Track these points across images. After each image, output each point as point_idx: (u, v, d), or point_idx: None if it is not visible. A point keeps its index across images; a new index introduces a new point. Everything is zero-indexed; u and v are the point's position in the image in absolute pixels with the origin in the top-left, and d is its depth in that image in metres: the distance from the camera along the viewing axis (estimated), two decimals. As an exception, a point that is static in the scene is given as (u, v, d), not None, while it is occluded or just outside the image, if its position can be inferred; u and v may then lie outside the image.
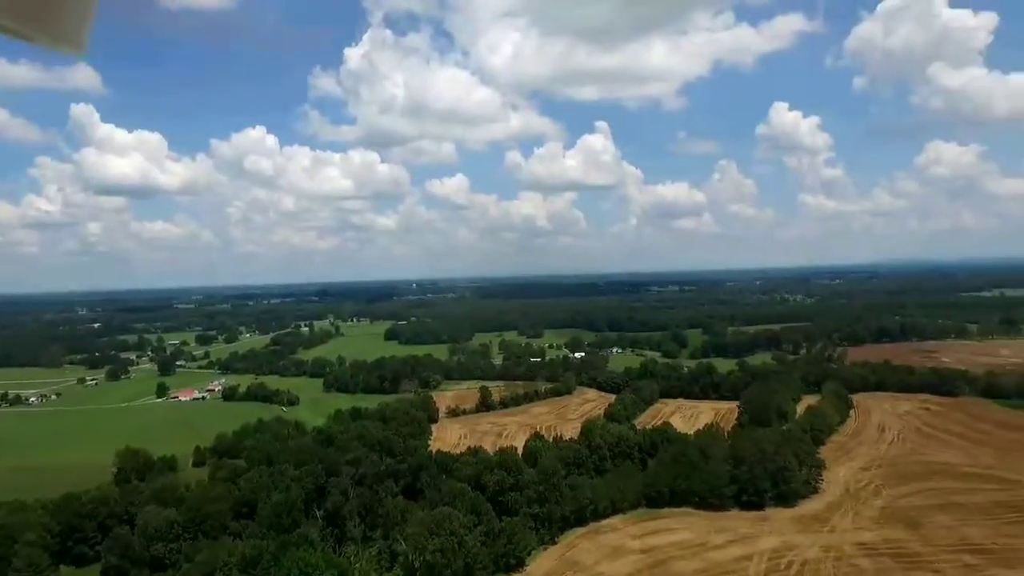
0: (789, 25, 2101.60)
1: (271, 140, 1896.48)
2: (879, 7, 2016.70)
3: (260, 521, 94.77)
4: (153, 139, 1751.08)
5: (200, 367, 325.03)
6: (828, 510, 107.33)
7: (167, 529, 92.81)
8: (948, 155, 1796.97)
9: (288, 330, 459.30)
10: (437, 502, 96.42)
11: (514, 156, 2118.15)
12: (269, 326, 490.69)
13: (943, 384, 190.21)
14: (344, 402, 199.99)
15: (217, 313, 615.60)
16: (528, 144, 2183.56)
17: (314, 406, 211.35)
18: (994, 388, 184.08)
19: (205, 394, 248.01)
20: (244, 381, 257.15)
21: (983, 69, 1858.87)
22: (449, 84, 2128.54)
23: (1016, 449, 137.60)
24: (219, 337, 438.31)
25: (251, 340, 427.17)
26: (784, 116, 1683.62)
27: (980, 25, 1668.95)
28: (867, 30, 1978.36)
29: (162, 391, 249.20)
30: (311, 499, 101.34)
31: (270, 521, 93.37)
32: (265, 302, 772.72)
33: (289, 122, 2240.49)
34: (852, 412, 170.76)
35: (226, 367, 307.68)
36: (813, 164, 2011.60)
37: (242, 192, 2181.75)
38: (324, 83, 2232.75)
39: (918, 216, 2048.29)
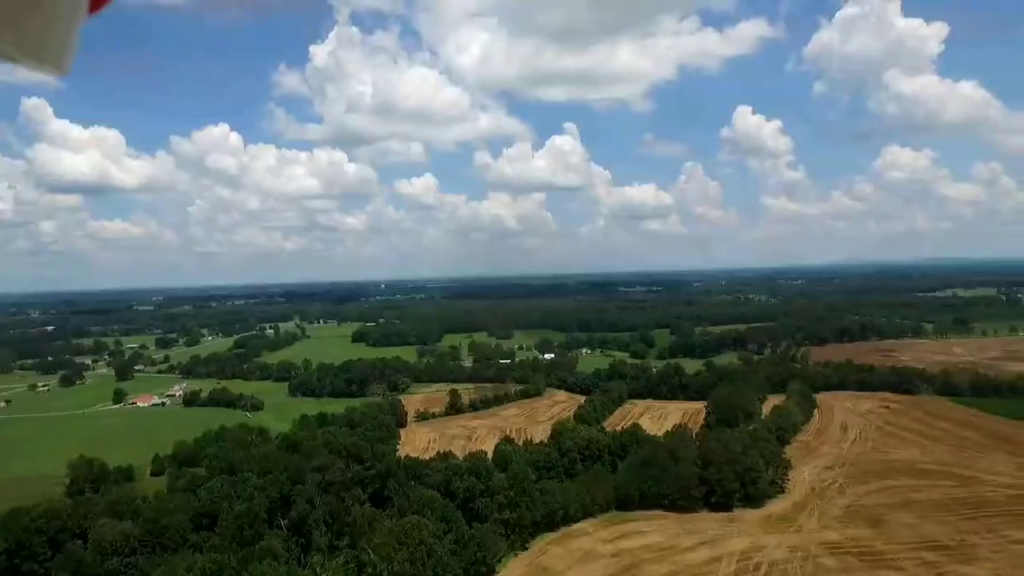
0: (752, 30, 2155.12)
1: (235, 138, 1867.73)
2: (837, 15, 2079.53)
3: (221, 533, 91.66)
4: (110, 135, 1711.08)
5: (160, 371, 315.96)
6: (794, 510, 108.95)
7: (123, 543, 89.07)
8: (903, 159, 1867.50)
9: (252, 332, 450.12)
10: (406, 510, 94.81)
11: (483, 156, 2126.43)
12: (232, 328, 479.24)
13: (902, 383, 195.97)
14: (310, 407, 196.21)
15: (178, 315, 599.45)
16: (497, 144, 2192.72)
17: (279, 411, 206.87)
18: (949, 386, 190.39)
19: (165, 400, 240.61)
20: (206, 386, 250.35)
21: (935, 77, 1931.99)
22: (417, 83, 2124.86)
23: (970, 446, 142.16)
24: (180, 340, 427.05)
25: (213, 343, 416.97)
26: (748, 119, 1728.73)
27: (932, 34, 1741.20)
28: (826, 37, 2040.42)
29: (119, 397, 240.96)
30: (275, 508, 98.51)
31: (232, 533, 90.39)
32: (228, 303, 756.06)
33: (254, 120, 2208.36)
34: (816, 411, 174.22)
35: (187, 371, 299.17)
36: (775, 167, 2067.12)
37: (205, 191, 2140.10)
38: (289, 80, 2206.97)
39: (876, 218, 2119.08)
